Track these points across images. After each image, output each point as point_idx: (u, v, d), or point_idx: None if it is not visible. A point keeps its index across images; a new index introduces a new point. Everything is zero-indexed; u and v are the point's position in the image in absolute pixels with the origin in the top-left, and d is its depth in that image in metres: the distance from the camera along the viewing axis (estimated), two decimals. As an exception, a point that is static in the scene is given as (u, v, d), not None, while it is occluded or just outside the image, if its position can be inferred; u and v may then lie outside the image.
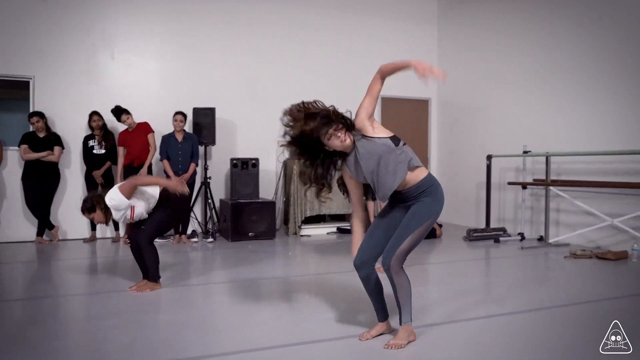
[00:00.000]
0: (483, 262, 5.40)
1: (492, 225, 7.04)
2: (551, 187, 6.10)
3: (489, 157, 6.90)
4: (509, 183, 6.80)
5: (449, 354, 2.57)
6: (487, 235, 6.54)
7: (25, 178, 6.21)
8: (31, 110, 6.50)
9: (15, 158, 6.44)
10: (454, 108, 8.46)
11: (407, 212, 2.60)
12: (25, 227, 6.42)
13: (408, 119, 8.66)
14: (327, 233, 7.21)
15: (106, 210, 3.78)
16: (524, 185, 6.59)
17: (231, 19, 7.49)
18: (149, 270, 3.94)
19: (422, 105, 8.80)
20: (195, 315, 3.34)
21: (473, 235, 6.51)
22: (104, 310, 3.42)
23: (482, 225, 7.32)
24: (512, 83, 7.21)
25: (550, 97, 6.58)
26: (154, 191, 3.91)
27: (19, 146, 6.27)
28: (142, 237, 3.89)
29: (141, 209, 3.86)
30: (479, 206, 7.72)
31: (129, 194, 3.77)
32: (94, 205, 3.78)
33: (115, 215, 3.80)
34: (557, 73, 6.48)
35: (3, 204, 6.38)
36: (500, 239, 6.41)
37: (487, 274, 4.90)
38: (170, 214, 3.98)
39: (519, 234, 6.54)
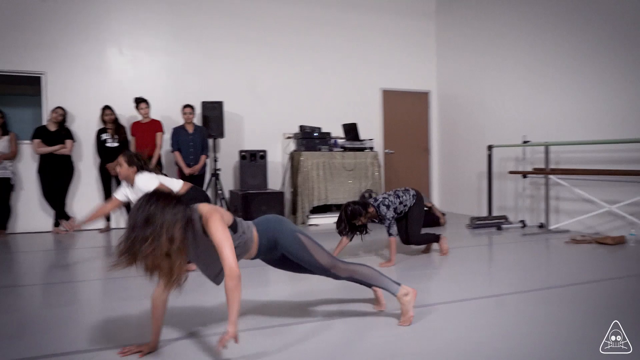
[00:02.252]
0: (486, 247, 5.62)
1: (494, 213, 7.26)
2: (550, 176, 6.32)
3: (490, 148, 7.11)
4: (510, 172, 7.01)
5: (456, 330, 2.79)
6: (489, 223, 6.77)
7: (41, 171, 6.39)
8: (44, 105, 6.68)
9: (28, 151, 6.60)
10: (453, 100, 8.66)
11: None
12: (41, 218, 6.59)
13: (408, 111, 8.85)
14: (334, 222, 7.40)
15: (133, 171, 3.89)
16: (524, 175, 6.81)
17: (237, 14, 7.65)
18: None
19: (422, 98, 8.99)
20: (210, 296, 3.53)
21: (476, 223, 6.72)
22: (122, 293, 3.62)
23: (484, 214, 7.54)
24: (511, 74, 7.40)
25: (549, 87, 6.79)
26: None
27: (31, 140, 6.43)
28: None
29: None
30: (480, 195, 7.94)
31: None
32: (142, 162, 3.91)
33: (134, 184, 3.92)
34: (555, 64, 6.68)
35: (20, 196, 6.55)
36: (502, 226, 6.64)
37: (490, 257, 5.12)
38: None
39: (520, 221, 6.77)
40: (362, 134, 7.71)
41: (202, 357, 2.33)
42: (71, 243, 5.83)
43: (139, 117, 6.64)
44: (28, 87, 6.80)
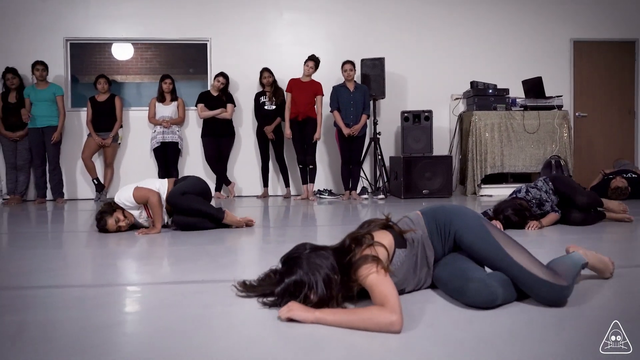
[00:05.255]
0: None
1: None
2: None
3: None
4: None
5: None
6: None
7: (204, 135, 6.44)
8: (209, 71, 6.76)
9: (193, 117, 6.72)
10: (671, 47, 6.91)
11: None
12: (204, 183, 6.66)
13: (607, 65, 7.29)
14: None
15: (122, 210, 3.62)
16: None
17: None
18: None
19: (626, 48, 7.35)
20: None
21: None
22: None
23: None
24: None
25: None
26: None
27: (196, 105, 6.52)
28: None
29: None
30: None
31: (142, 199, 3.60)
32: (112, 208, 3.61)
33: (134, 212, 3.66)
34: None
35: (186, 161, 6.72)
36: None
37: None
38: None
39: None
40: (547, 94, 6.49)
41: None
42: (231, 208, 5.72)
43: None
44: (195, 54, 6.95)
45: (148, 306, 1.97)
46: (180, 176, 6.41)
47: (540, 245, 3.05)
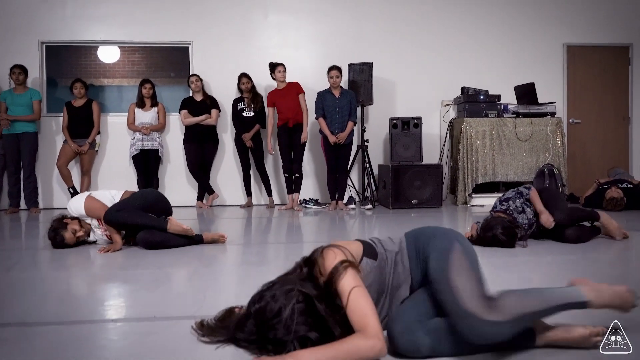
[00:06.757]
0: None
1: None
2: None
3: None
4: None
5: None
6: None
7: (186, 141, 6.21)
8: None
9: (176, 124, 6.48)
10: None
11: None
12: (187, 192, 6.42)
13: (601, 70, 7.11)
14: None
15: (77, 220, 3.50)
16: None
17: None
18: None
19: (620, 53, 7.18)
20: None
21: None
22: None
23: None
24: None
25: None
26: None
27: (179, 112, 6.28)
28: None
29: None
30: None
31: (92, 214, 3.47)
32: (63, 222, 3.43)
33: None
34: None
35: (167, 169, 6.48)
36: None
37: None
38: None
39: None
40: (539, 100, 6.30)
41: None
42: (211, 217, 5.49)
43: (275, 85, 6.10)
44: (182, 58, 6.67)
45: (82, 352, 1.73)
46: (159, 185, 6.23)
47: (533, 270, 2.85)
